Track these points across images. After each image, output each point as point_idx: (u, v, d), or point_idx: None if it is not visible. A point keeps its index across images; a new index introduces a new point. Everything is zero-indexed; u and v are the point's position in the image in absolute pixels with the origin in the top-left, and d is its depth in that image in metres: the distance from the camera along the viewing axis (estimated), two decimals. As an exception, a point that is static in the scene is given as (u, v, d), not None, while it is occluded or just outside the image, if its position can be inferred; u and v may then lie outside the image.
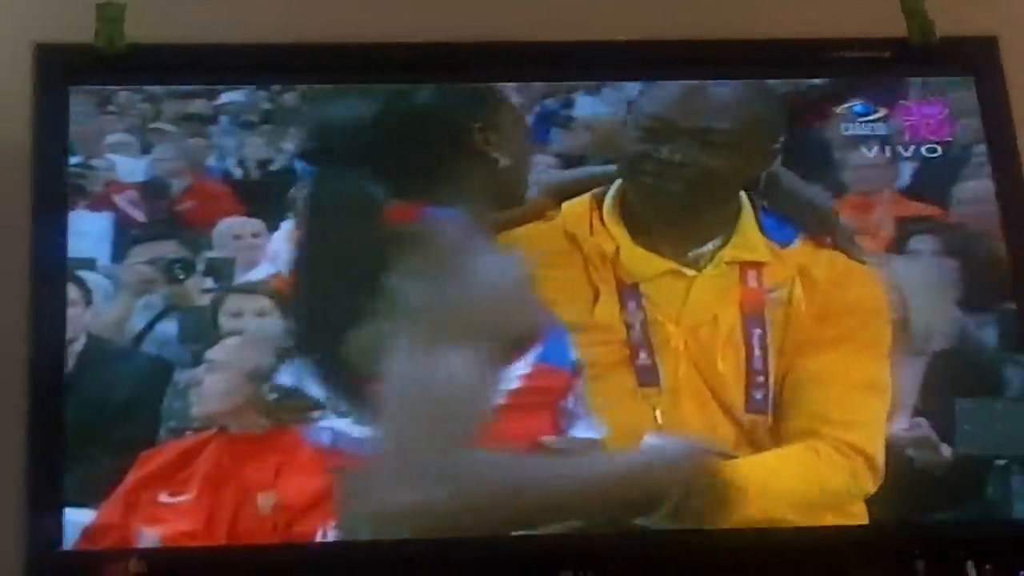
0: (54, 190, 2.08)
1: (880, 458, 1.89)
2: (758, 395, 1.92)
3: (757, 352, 1.93)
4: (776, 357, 1.92)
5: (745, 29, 2.26)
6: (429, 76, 2.09)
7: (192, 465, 1.95)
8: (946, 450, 1.94)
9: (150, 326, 2.01)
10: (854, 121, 2.24)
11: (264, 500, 1.91)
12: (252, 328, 2.00)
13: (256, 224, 2.05)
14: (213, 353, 1.99)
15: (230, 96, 2.13)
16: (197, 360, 1.98)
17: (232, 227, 2.06)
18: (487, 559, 1.93)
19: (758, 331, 1.93)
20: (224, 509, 1.92)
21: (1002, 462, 1.92)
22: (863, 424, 1.90)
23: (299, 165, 2.02)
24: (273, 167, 2.09)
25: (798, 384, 1.90)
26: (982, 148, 2.17)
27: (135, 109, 2.12)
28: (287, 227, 2.03)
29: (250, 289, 2.03)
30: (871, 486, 1.90)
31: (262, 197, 2.07)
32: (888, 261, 2.06)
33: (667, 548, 1.93)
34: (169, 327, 2.02)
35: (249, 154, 2.10)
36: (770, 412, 1.92)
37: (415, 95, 2.00)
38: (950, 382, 1.94)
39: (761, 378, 1.92)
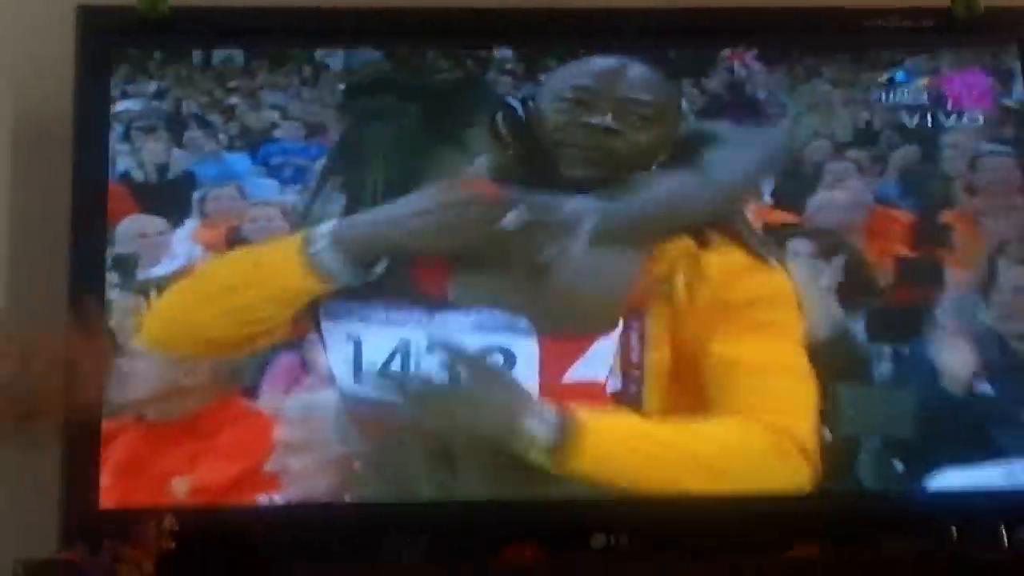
0: (96, 154, 2.05)
1: (815, 453, 1.89)
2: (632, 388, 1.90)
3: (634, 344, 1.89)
4: (657, 349, 1.89)
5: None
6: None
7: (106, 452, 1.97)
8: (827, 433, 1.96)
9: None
10: (895, 90, 2.19)
11: (178, 484, 1.92)
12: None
13: (160, 223, 2.06)
14: (135, 343, 2.00)
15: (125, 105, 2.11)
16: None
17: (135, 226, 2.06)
18: (519, 523, 1.92)
19: (636, 323, 1.89)
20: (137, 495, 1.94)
21: (877, 442, 2.01)
22: (794, 412, 1.87)
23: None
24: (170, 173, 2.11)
25: (724, 372, 1.86)
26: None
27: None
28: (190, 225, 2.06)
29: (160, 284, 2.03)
30: (804, 479, 1.88)
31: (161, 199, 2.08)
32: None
33: (699, 512, 1.90)
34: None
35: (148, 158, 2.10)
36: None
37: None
38: (832, 370, 1.95)
39: (637, 372, 1.90)
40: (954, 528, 1.93)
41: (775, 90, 2.16)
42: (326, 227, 1.82)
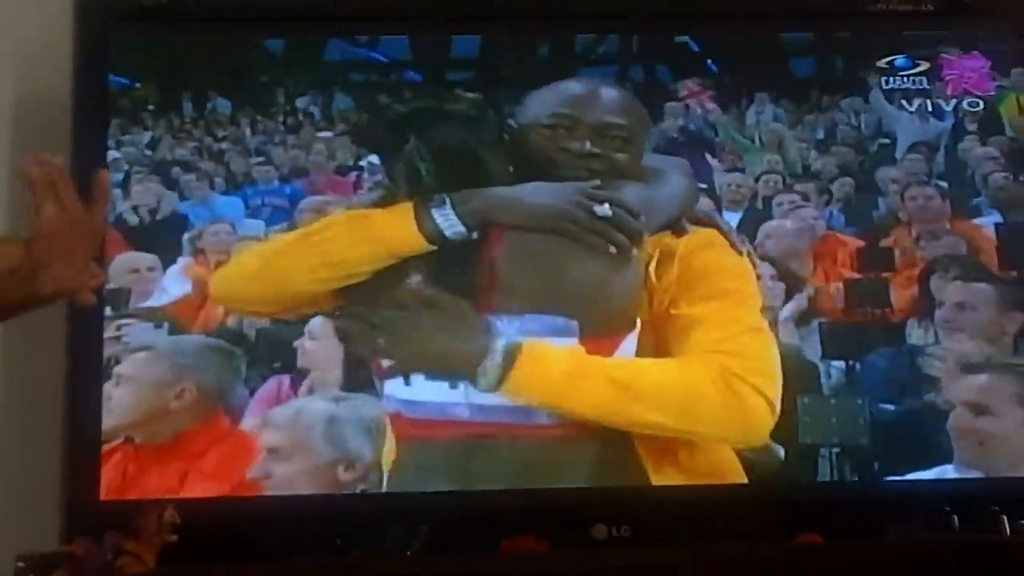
0: (95, 137, 2.15)
1: (777, 403, 1.90)
2: None
3: None
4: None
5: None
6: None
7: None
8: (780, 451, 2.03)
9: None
10: (895, 75, 2.28)
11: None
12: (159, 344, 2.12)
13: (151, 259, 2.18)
14: (121, 368, 2.10)
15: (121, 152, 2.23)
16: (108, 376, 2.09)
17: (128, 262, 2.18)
18: (521, 512, 1.94)
19: None
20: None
21: (836, 449, 2.10)
22: (751, 359, 1.90)
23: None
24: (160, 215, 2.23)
25: (685, 328, 1.90)
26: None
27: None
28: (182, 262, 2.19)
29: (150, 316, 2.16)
30: (762, 422, 1.90)
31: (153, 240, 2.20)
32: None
33: (702, 502, 1.92)
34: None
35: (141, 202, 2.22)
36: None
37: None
38: (790, 383, 1.95)
39: None
40: (956, 517, 1.97)
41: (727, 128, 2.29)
42: (441, 197, 1.90)
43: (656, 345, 1.92)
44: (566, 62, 2.32)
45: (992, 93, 2.28)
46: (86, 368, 2.05)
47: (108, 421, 2.05)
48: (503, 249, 1.90)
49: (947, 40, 2.29)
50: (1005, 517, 1.96)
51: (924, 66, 2.28)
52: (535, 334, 1.87)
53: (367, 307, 1.89)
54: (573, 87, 2.05)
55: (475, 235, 1.90)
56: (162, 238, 2.18)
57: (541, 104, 2.02)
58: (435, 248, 1.89)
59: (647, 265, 1.92)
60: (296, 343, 2.10)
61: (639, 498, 1.94)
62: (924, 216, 2.24)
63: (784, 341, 2.10)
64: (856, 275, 2.20)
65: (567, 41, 2.33)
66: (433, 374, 1.89)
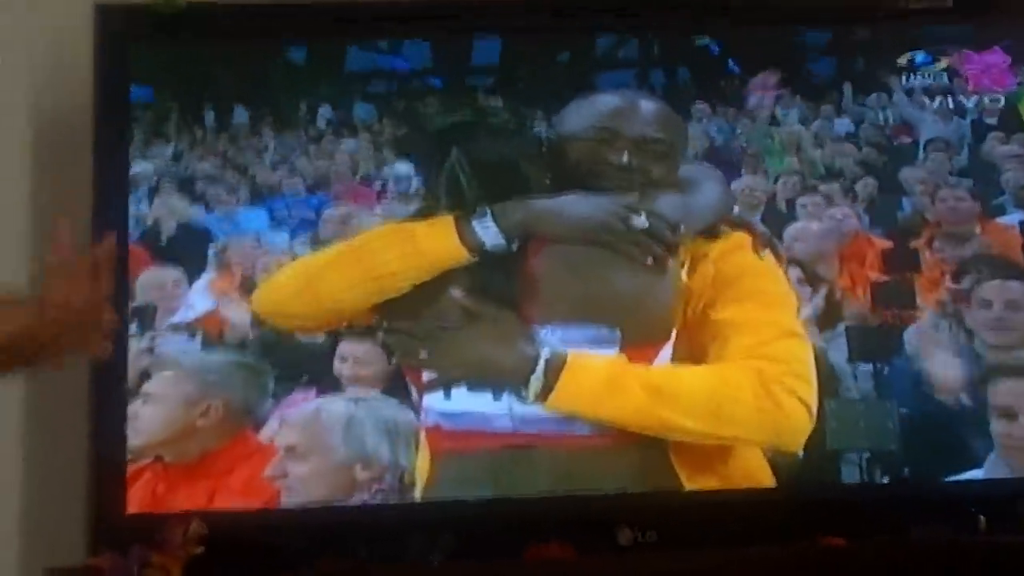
0: (116, 151, 2.16)
1: (814, 408, 1.93)
2: None
3: None
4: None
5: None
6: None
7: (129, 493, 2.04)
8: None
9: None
10: (915, 72, 2.28)
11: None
12: (184, 361, 2.12)
13: (176, 274, 2.18)
14: (149, 387, 2.10)
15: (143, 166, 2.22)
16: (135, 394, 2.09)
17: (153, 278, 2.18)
18: (547, 519, 1.96)
19: None
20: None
21: (866, 454, 2.10)
22: (786, 362, 1.92)
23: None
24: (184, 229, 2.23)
25: (722, 333, 1.93)
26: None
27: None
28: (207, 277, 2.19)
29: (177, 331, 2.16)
30: (800, 425, 1.93)
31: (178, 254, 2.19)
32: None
33: (726, 505, 1.95)
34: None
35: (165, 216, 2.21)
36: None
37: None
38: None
39: None
40: (982, 517, 1.97)
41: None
42: (483, 208, 1.92)
43: (691, 351, 1.94)
44: (586, 67, 2.31)
45: (1013, 89, 2.27)
46: (109, 382, 2.04)
47: (137, 440, 2.06)
48: (543, 260, 1.93)
49: (967, 36, 2.29)
50: None
51: (944, 63, 2.28)
52: (578, 344, 1.90)
53: (409, 320, 1.92)
54: (613, 100, 2.08)
55: (515, 246, 1.92)
56: (187, 252, 2.18)
57: (581, 116, 2.04)
58: (476, 260, 1.92)
59: (680, 270, 1.94)
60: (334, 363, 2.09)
61: (664, 503, 1.96)
62: (953, 217, 2.23)
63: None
64: (883, 276, 2.19)
65: (587, 46, 2.32)
66: (476, 385, 1.91)
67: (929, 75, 2.28)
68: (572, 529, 1.97)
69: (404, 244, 1.93)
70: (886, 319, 2.16)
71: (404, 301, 1.92)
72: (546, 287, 1.91)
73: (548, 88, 2.23)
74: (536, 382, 1.87)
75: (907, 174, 2.26)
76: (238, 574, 1.84)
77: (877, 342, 2.15)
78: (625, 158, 1.98)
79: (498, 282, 1.92)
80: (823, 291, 2.17)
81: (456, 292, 1.90)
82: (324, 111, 2.28)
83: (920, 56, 2.28)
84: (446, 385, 1.92)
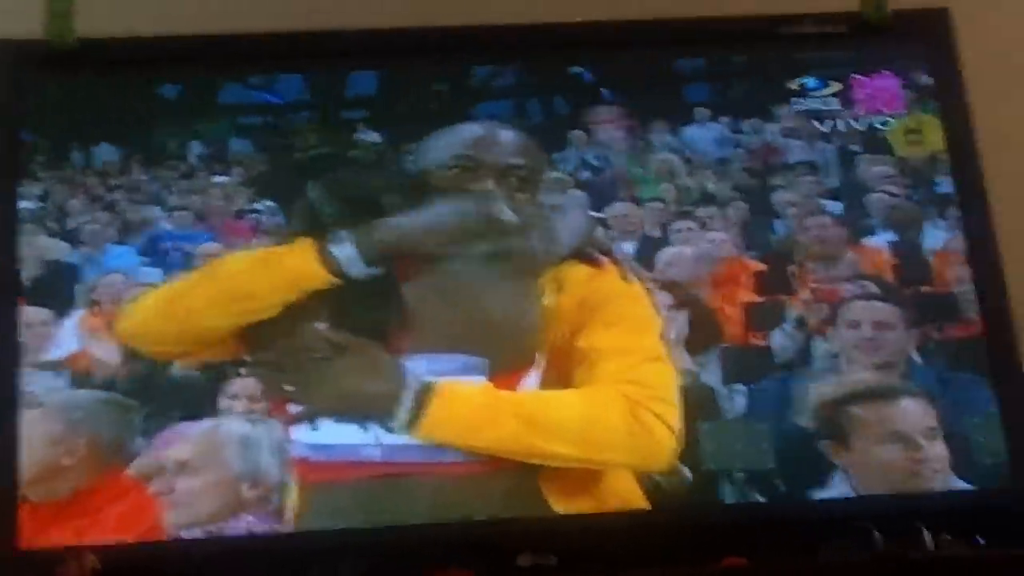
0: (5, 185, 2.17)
1: (679, 431, 1.96)
2: None
3: None
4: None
5: (700, 5, 2.31)
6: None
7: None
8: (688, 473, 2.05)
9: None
10: (806, 96, 2.31)
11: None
12: (49, 400, 2.08)
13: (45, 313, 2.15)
14: None
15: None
16: None
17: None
18: (446, 544, 1.94)
19: None
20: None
21: (740, 475, 2.10)
22: (652, 387, 1.94)
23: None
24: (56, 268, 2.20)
25: (588, 359, 1.94)
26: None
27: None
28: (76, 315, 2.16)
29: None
30: (666, 451, 1.95)
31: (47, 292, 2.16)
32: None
33: (626, 531, 1.96)
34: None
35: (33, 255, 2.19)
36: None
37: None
38: (689, 411, 2.01)
39: None
40: (876, 532, 1.96)
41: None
42: (341, 232, 1.92)
43: (559, 378, 1.95)
44: (463, 98, 2.32)
45: (903, 112, 2.31)
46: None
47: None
48: (412, 284, 1.93)
49: (858, 60, 2.33)
50: (927, 531, 1.96)
51: (836, 87, 2.31)
52: (447, 374, 1.89)
53: (274, 352, 1.91)
54: (473, 130, 2.09)
55: (377, 269, 1.92)
56: (54, 291, 2.15)
57: (441, 147, 2.05)
58: (341, 285, 1.91)
59: (544, 297, 1.95)
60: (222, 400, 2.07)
61: (564, 526, 1.95)
62: (822, 239, 2.26)
63: (683, 368, 2.10)
64: (757, 298, 2.21)
65: (463, 76, 2.33)
66: (343, 417, 1.90)
67: (821, 99, 2.30)
68: (470, 554, 1.94)
69: (266, 265, 1.94)
70: (760, 340, 2.18)
71: (270, 332, 1.91)
72: (415, 313, 1.91)
73: (424, 119, 2.22)
74: (404, 412, 1.86)
75: (779, 197, 2.28)
76: None
77: (751, 364, 2.17)
78: (490, 185, 1.99)
79: (366, 310, 1.91)
80: (696, 314, 2.18)
81: (320, 325, 1.90)
82: (197, 146, 2.27)
83: (811, 81, 2.31)
84: (311, 418, 1.91)
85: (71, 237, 2.19)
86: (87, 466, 2.03)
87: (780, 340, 2.18)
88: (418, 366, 1.89)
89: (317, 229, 1.93)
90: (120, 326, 2.05)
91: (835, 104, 2.30)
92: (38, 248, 2.17)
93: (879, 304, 2.19)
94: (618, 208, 2.26)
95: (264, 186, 2.18)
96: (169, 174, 2.24)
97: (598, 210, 2.22)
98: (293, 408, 1.92)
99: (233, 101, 2.30)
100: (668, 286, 2.19)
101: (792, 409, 2.12)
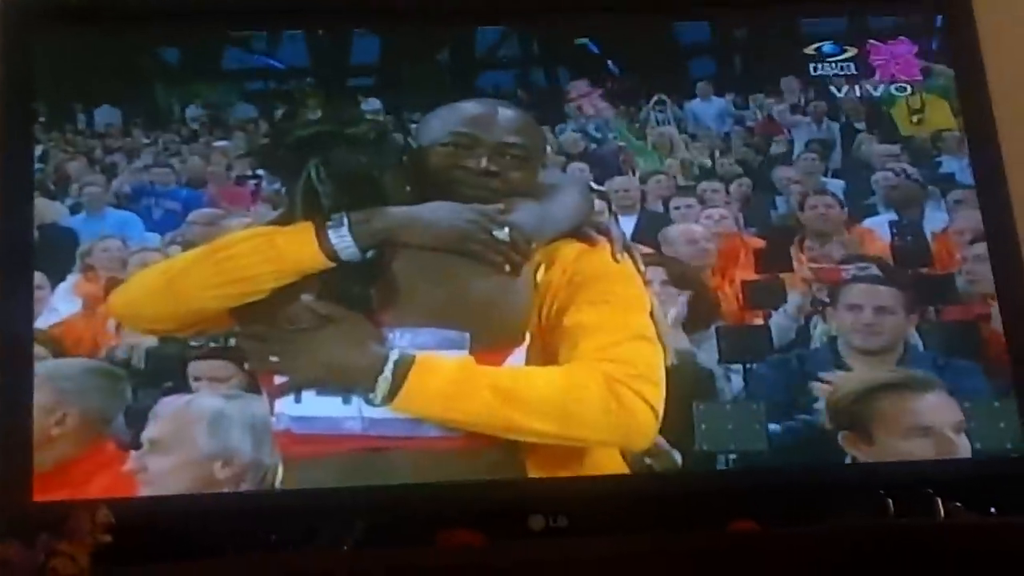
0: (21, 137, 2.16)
1: (660, 410, 1.91)
2: None
3: None
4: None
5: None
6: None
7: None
8: (677, 456, 2.07)
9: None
10: (823, 61, 2.28)
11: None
12: (40, 369, 2.07)
13: (39, 277, 2.14)
14: None
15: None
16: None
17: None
18: (457, 505, 1.94)
19: None
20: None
21: (732, 455, 2.10)
22: (634, 365, 1.91)
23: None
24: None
25: (572, 336, 1.92)
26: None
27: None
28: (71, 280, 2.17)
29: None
30: (647, 429, 1.92)
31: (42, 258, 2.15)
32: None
33: (637, 493, 1.96)
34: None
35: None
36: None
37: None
38: (685, 391, 2.02)
39: None
40: (891, 500, 1.97)
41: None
42: (340, 217, 1.90)
43: (544, 355, 1.93)
44: (466, 67, 2.31)
45: (919, 78, 2.28)
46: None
47: None
48: (399, 264, 1.91)
49: (875, 26, 2.31)
50: (939, 499, 1.96)
51: (852, 52, 2.29)
52: (427, 347, 1.87)
53: (262, 324, 1.90)
54: (471, 107, 2.06)
55: (370, 255, 1.91)
56: (51, 255, 2.15)
57: (440, 124, 2.03)
58: (332, 266, 1.90)
59: (535, 274, 1.93)
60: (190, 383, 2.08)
61: (576, 488, 1.94)
62: (823, 218, 2.24)
63: (678, 347, 2.07)
64: (755, 276, 2.19)
65: (467, 45, 2.31)
66: (325, 389, 1.89)
67: (837, 64, 2.28)
68: (481, 516, 1.95)
69: (264, 248, 1.92)
70: (758, 320, 2.16)
71: (258, 305, 1.91)
72: (399, 291, 1.90)
73: (428, 89, 2.22)
74: (383, 383, 1.85)
75: (780, 173, 2.26)
76: (145, 562, 1.82)
77: (747, 343, 2.15)
78: (484, 163, 1.97)
79: (353, 286, 1.90)
80: (696, 294, 2.17)
81: (307, 296, 1.90)
82: (197, 110, 2.27)
83: (827, 46, 2.28)
84: (296, 389, 1.90)
85: (69, 200, 2.19)
86: (75, 437, 2.03)
87: (780, 321, 2.16)
88: (401, 339, 1.88)
89: (315, 208, 1.91)
90: (114, 303, 2.04)
91: (851, 69, 2.28)
92: (37, 212, 2.17)
93: (881, 288, 2.16)
94: (618, 182, 2.25)
95: (266, 164, 2.14)
96: (170, 137, 2.25)
97: (600, 183, 2.21)
98: (278, 379, 1.91)
99: (236, 66, 2.30)
100: (669, 264, 2.18)
101: (791, 393, 2.10)
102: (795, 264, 2.20)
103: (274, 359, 1.89)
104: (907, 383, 2.10)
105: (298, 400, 1.89)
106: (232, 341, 2.02)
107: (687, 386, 2.03)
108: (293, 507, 1.96)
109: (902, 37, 2.30)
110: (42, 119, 2.20)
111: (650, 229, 2.21)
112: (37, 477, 2.00)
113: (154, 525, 1.89)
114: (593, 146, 2.28)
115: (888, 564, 1.83)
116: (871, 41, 2.30)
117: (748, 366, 2.12)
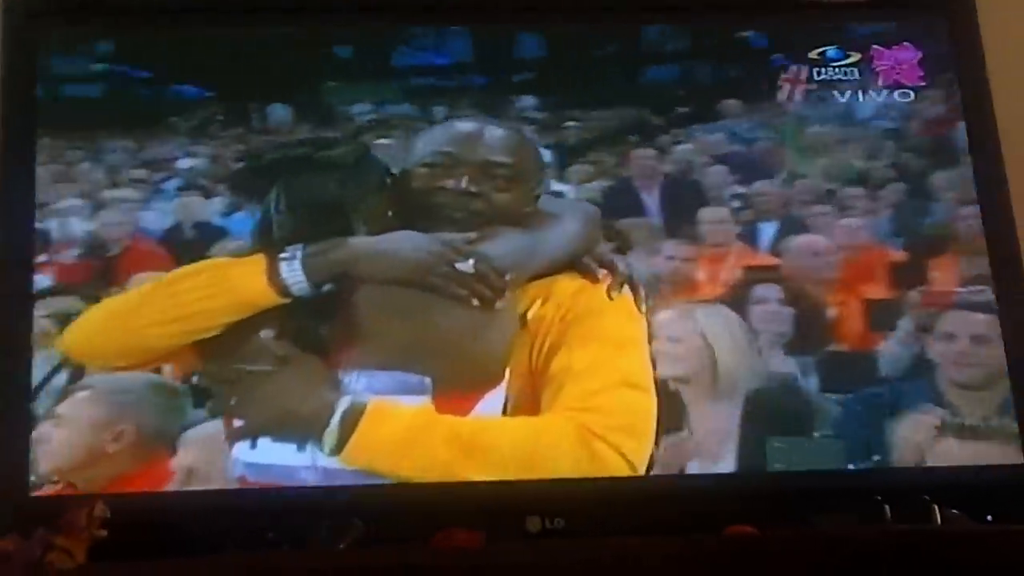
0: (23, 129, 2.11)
1: (638, 462, 1.90)
2: None
3: None
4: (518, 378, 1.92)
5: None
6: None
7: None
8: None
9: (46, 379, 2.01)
10: (827, 66, 2.24)
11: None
12: (98, 383, 1.98)
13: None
14: (61, 408, 1.98)
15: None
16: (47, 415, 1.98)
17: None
18: (455, 505, 1.89)
19: None
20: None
21: None
22: (625, 425, 1.89)
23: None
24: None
25: (557, 380, 1.89)
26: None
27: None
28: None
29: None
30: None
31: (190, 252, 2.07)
32: (692, 312, 2.07)
33: (634, 496, 1.92)
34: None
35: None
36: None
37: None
38: (764, 422, 1.99)
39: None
40: (887, 507, 1.94)
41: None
42: (293, 249, 1.85)
43: (524, 396, 1.88)
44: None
45: (922, 85, 2.25)
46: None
47: (46, 464, 1.94)
48: (361, 301, 1.85)
49: (879, 31, 2.27)
50: (936, 506, 1.95)
51: (855, 57, 2.25)
52: (385, 392, 1.83)
53: (223, 364, 1.85)
54: (459, 126, 2.01)
55: (325, 289, 1.85)
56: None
57: (425, 144, 1.97)
58: (290, 301, 1.83)
59: (526, 312, 1.89)
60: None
61: (574, 489, 1.92)
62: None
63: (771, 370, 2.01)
64: (882, 295, 2.09)
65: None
66: (281, 435, 1.83)
67: (840, 69, 2.23)
68: (479, 516, 1.89)
69: (218, 281, 1.87)
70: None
71: (221, 343, 1.85)
72: (358, 329, 1.85)
73: (592, 83, 2.18)
74: (330, 436, 1.79)
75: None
76: (142, 557, 1.76)
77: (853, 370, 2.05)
78: (464, 183, 1.91)
79: (313, 324, 1.85)
80: (802, 310, 2.07)
81: (267, 333, 1.84)
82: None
83: (832, 51, 2.24)
84: (252, 435, 1.84)
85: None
86: (132, 453, 1.95)
87: (891, 347, 2.06)
88: (357, 383, 1.83)
89: (266, 238, 1.88)
90: (65, 344, 1.95)
91: (855, 75, 2.24)
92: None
93: (979, 316, 2.07)
94: (757, 186, 2.14)
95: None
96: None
97: (746, 185, 2.13)
98: (236, 423, 1.85)
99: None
100: (782, 279, 2.08)
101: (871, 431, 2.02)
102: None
103: (232, 401, 1.84)
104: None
105: (253, 446, 1.84)
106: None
107: (770, 416, 1.99)
108: (292, 506, 1.92)
109: (906, 43, 2.27)
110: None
111: (784, 238, 2.12)
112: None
113: (153, 521, 1.85)
114: (738, 147, 2.18)
115: (885, 570, 1.83)
116: (875, 47, 2.26)
117: (845, 396, 2.02)
